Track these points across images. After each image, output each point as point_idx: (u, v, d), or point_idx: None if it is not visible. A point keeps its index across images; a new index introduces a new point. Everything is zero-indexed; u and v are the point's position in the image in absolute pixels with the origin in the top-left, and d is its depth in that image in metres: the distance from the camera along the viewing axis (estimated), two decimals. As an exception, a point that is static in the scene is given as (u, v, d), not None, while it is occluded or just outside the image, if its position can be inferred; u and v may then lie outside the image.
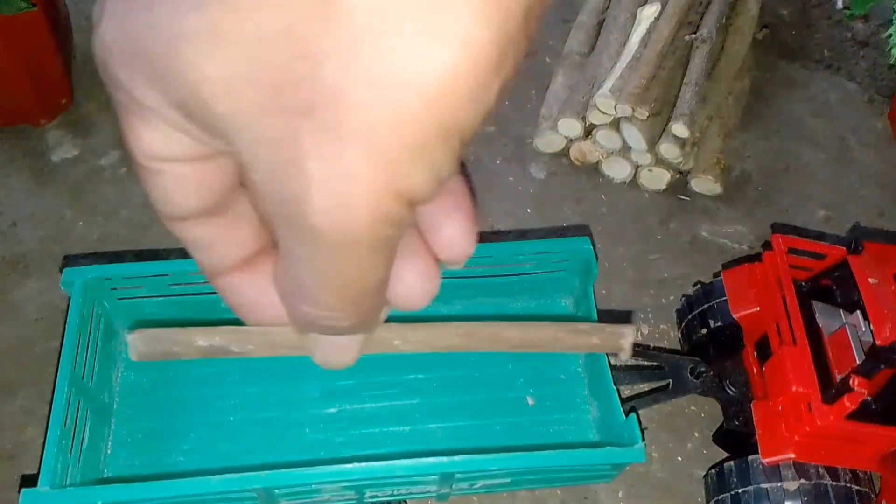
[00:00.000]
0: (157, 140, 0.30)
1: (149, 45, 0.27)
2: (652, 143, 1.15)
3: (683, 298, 1.05)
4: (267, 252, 0.36)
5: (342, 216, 0.28)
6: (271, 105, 0.26)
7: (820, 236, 1.17)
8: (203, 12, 0.26)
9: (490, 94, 0.27)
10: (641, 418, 0.84)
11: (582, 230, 1.16)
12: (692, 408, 1.01)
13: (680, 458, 0.98)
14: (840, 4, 1.49)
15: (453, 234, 0.36)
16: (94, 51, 0.29)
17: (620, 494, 0.95)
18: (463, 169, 0.37)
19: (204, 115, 0.28)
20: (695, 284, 1.06)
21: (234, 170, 0.32)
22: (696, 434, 1.00)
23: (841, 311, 0.89)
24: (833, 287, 0.91)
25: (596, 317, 0.94)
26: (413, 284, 0.36)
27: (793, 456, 0.84)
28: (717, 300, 0.98)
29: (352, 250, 0.29)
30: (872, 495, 0.87)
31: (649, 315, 1.09)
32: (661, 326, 1.08)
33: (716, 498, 0.89)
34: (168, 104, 0.28)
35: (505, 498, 0.93)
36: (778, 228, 1.18)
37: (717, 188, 1.20)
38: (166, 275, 0.93)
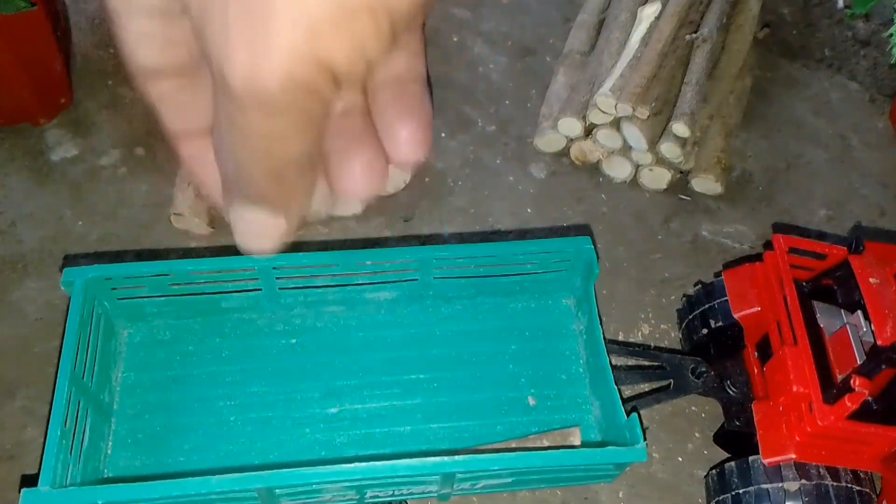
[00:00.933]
0: None
1: None
2: (653, 143, 1.15)
3: (684, 298, 1.05)
4: None
5: (256, 74, 0.28)
6: None
7: (821, 236, 1.17)
8: None
9: None
10: (642, 418, 0.84)
11: (583, 230, 1.17)
12: (693, 408, 1.01)
13: (681, 459, 0.98)
14: (841, 3, 1.48)
15: (405, 136, 0.37)
16: None
17: (621, 495, 0.95)
18: (428, 81, 0.38)
19: None
20: (696, 284, 1.06)
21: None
22: (697, 434, 0.99)
23: (842, 310, 0.88)
24: (834, 287, 0.91)
25: (597, 316, 0.94)
26: (357, 175, 0.37)
27: (794, 456, 0.84)
28: (718, 300, 0.98)
29: (265, 111, 0.30)
30: (873, 496, 0.87)
31: (650, 315, 1.09)
32: (662, 326, 1.08)
33: (717, 498, 0.89)
34: None
35: (505, 498, 0.93)
36: (779, 228, 1.18)
37: (718, 188, 1.20)
38: (167, 274, 0.93)
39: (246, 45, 0.28)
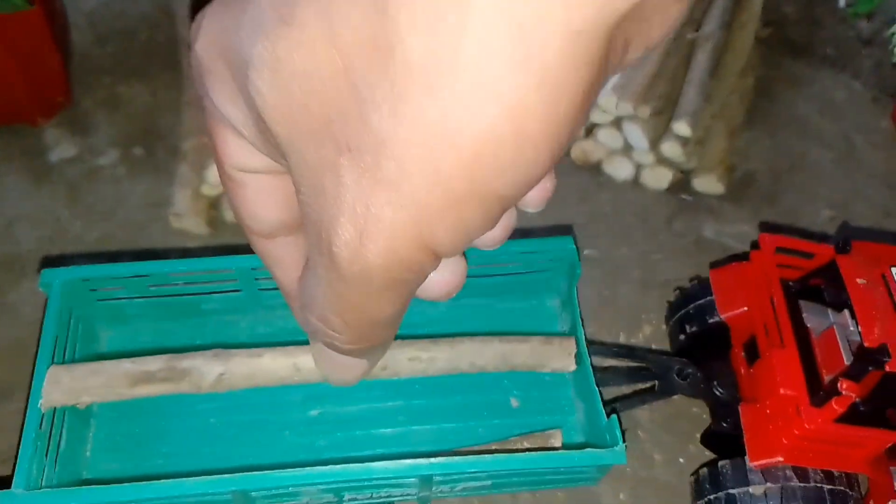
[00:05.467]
0: (241, 150, 0.34)
1: (228, 67, 0.30)
2: (654, 142, 1.14)
3: (667, 303, 1.04)
4: None
5: (361, 252, 0.30)
6: (321, 135, 0.28)
7: (825, 237, 1.15)
8: (268, 43, 0.27)
9: (534, 165, 0.28)
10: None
11: (583, 230, 1.16)
12: (694, 409, 1.00)
13: (682, 460, 0.97)
14: (843, 2, 1.47)
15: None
16: (191, 61, 0.33)
17: (622, 496, 0.94)
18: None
19: (267, 134, 0.30)
20: (675, 290, 1.05)
21: None
22: (699, 436, 0.98)
23: (829, 310, 0.87)
24: (821, 287, 0.90)
25: (580, 317, 0.93)
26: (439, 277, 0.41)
27: (781, 459, 0.83)
28: (705, 299, 0.97)
29: (364, 285, 0.32)
30: (860, 497, 0.85)
31: (652, 316, 1.08)
32: (664, 327, 1.07)
33: (707, 498, 0.88)
34: (244, 120, 0.31)
35: (506, 499, 0.92)
36: (772, 228, 1.17)
37: (720, 188, 1.19)
38: (146, 276, 0.92)
39: (354, 223, 0.29)
